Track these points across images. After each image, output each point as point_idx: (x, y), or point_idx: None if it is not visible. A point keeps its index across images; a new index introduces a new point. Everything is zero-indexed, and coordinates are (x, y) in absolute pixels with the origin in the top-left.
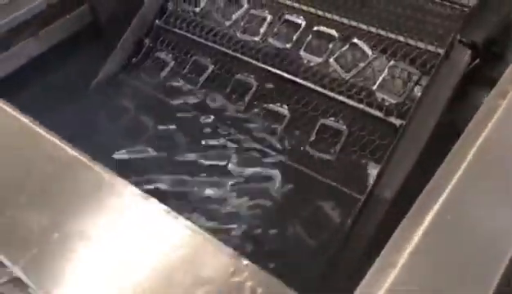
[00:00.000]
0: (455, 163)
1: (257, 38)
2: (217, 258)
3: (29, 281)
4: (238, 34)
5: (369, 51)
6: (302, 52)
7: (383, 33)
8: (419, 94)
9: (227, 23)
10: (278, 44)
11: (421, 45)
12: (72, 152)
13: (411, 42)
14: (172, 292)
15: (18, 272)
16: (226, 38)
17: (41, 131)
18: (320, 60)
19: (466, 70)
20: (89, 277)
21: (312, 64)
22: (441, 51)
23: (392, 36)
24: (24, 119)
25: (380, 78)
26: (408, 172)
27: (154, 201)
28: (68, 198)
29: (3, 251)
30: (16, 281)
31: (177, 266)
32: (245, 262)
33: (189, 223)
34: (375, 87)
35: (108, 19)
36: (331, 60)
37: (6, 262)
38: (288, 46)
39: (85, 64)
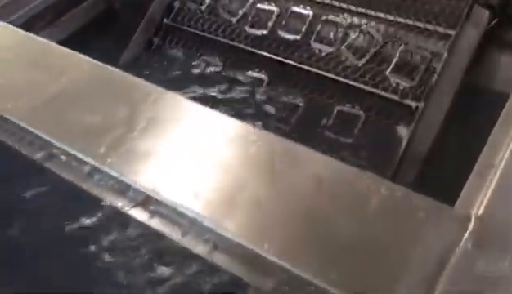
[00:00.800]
0: None
1: (265, 32)
2: None
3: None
4: (246, 28)
5: (379, 37)
6: (312, 42)
7: (391, 17)
8: (431, 76)
9: (234, 19)
10: (288, 36)
11: (430, 27)
12: None
13: (420, 24)
14: None
15: None
16: (236, 33)
17: None
18: (331, 49)
19: (486, 29)
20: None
21: (323, 53)
22: (450, 32)
23: (401, 20)
24: None
25: (393, 63)
26: (438, 129)
27: None
28: None
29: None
30: None
31: None
32: None
33: None
34: (388, 72)
35: (122, 4)
36: (343, 47)
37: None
38: (298, 37)
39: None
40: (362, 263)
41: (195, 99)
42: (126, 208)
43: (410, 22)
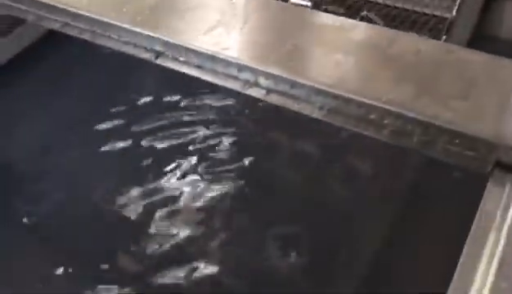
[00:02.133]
0: None
1: None
2: None
3: None
4: None
5: (380, 22)
6: None
7: (389, 2)
8: None
9: None
10: None
11: (427, 11)
12: None
13: (417, 9)
14: None
15: None
16: None
17: None
18: None
19: None
20: None
21: None
22: (447, 15)
23: (399, 5)
24: None
25: None
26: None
27: None
28: None
29: None
30: None
31: None
32: None
33: None
34: None
35: None
36: None
37: None
38: None
39: None
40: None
41: None
42: (243, 89)
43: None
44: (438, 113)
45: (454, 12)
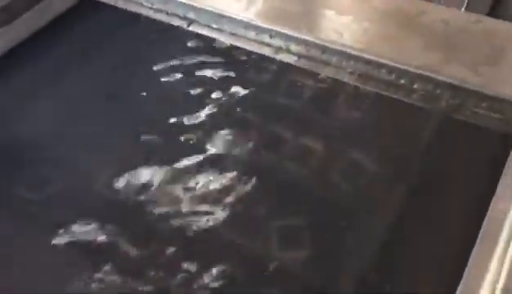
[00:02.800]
0: None
1: None
2: None
3: None
4: None
5: None
6: None
7: None
8: None
9: None
10: None
11: None
12: None
13: None
14: None
15: None
16: None
17: None
18: None
19: None
20: None
21: None
22: None
23: None
24: None
25: None
26: None
27: None
28: None
29: None
30: None
31: None
32: None
33: None
34: None
35: None
36: None
37: None
38: None
39: None
40: None
41: None
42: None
43: None
44: (467, 78)
45: None
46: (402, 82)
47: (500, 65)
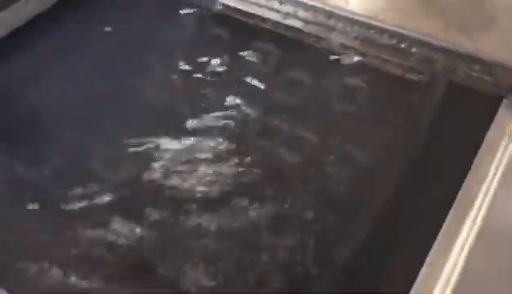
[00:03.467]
0: None
1: None
2: None
3: None
4: None
5: None
6: None
7: None
8: None
9: None
10: None
11: None
12: None
13: None
14: None
15: None
16: None
17: None
18: None
19: None
20: None
21: None
22: None
23: None
24: None
25: None
26: None
27: None
28: None
29: None
30: None
31: None
32: None
33: None
34: None
35: None
36: None
37: None
38: None
39: None
40: None
41: None
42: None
43: None
44: (462, 42)
45: None
46: (402, 46)
47: (495, 32)
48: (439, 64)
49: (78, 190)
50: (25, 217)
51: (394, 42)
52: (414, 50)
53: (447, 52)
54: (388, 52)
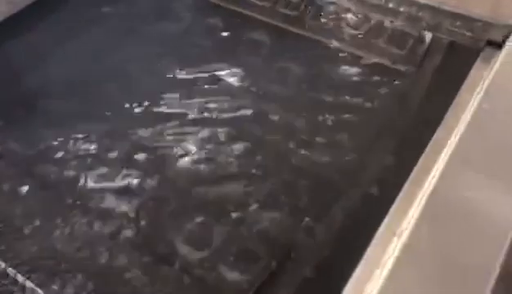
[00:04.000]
0: None
1: None
2: None
3: None
4: None
5: None
6: None
7: None
8: None
9: None
10: None
11: None
12: None
13: None
14: None
15: None
16: None
17: None
18: None
19: None
20: None
21: None
22: None
23: None
24: None
25: None
26: None
27: None
28: None
29: None
30: None
31: None
32: None
33: None
34: None
35: None
36: None
37: None
38: None
39: None
40: None
41: None
42: None
43: None
44: (445, 1)
45: None
46: (391, 5)
47: None
48: (424, 22)
49: None
50: None
51: (383, 1)
52: (401, 9)
53: (432, 10)
54: (377, 11)
